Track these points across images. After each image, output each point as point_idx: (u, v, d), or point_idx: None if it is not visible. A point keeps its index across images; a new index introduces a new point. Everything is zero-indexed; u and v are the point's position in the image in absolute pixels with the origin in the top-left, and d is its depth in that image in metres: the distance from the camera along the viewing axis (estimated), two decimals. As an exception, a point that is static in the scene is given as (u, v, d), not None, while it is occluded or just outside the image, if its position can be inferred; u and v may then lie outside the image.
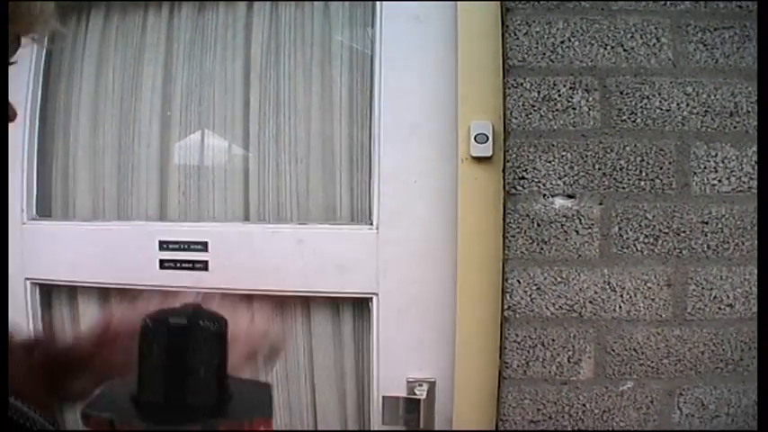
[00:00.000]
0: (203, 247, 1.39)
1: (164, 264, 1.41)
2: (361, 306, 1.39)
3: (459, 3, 1.27)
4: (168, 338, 0.46)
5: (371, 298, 1.33)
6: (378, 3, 1.35)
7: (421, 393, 1.29)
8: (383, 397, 1.32)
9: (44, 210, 1.56)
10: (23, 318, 1.52)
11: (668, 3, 1.11)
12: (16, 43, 0.66)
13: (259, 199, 1.44)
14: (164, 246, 1.41)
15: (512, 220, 1.12)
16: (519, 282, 1.14)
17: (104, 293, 1.51)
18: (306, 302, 1.42)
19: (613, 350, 1.15)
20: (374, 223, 1.33)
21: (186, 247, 1.40)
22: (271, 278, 1.36)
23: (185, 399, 0.45)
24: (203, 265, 1.39)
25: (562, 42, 1.15)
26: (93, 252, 1.47)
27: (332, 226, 1.37)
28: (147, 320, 0.47)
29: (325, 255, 1.34)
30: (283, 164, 1.43)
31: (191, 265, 1.40)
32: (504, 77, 1.19)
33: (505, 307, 1.15)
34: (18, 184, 1.49)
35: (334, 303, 1.41)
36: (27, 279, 1.48)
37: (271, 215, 1.43)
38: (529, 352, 1.16)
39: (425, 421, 1.29)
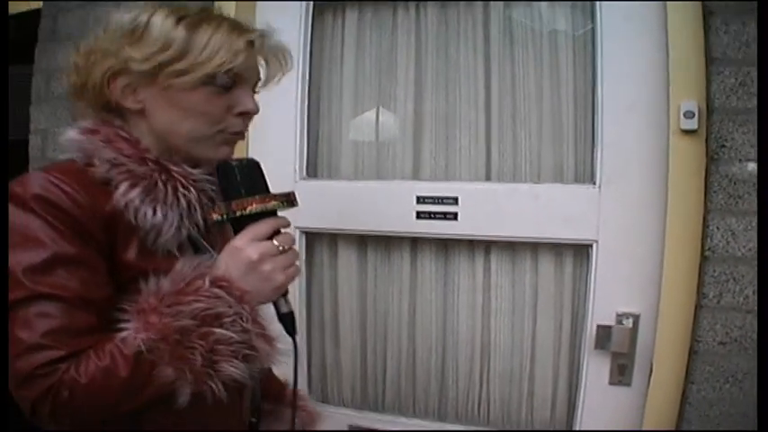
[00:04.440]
0: (454, 201, 2.00)
1: (420, 215, 2.04)
2: (580, 251, 1.95)
3: (667, 4, 1.85)
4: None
5: (592, 245, 1.88)
6: (597, 3, 1.89)
7: (627, 324, 1.84)
8: (597, 325, 1.87)
9: (312, 171, 2.20)
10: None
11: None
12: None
13: (499, 162, 2.04)
14: (420, 200, 2.03)
15: (714, 180, 1.64)
16: (717, 228, 1.65)
17: (360, 239, 2.18)
18: (534, 248, 2.03)
19: (791, 285, 1.61)
20: (596, 183, 1.87)
21: (440, 201, 2.01)
22: (508, 227, 1.96)
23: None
24: (453, 216, 2.01)
25: (754, 38, 1.61)
26: (356, 205, 2.07)
27: (562, 185, 1.94)
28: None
29: (555, 209, 1.90)
30: (519, 134, 2.02)
31: (443, 215, 2.01)
32: (707, 66, 1.77)
33: (706, 248, 1.66)
34: (291, 150, 2.15)
35: (558, 249, 1.99)
36: (296, 228, 2.05)
37: (508, 175, 2.02)
38: (722, 285, 1.65)
39: (629, 347, 1.86)
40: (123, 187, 1.05)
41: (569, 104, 2.00)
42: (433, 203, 2.05)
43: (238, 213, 1.07)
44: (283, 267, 1.08)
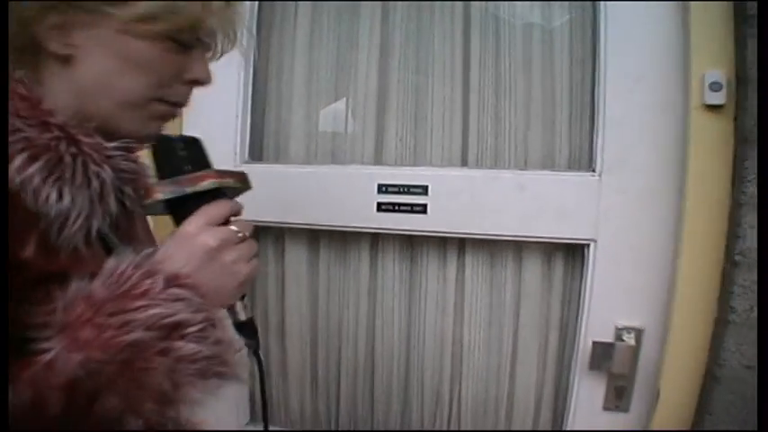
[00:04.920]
0: (423, 190, 1.69)
1: (381, 206, 1.73)
2: (574, 252, 1.68)
3: (687, -43, 1.52)
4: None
5: (589, 244, 1.59)
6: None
7: (629, 340, 1.56)
8: (593, 342, 1.63)
9: (257, 154, 1.89)
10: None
11: None
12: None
13: (478, 145, 1.73)
14: (383, 189, 1.72)
15: (747, 166, 1.34)
16: (751, 227, 1.34)
17: (312, 234, 1.88)
18: (518, 248, 1.73)
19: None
20: (596, 170, 1.58)
21: (406, 190, 1.70)
22: (488, 222, 1.66)
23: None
24: (422, 209, 1.70)
25: (802, -11, 1.33)
26: (307, 194, 1.78)
27: (554, 173, 1.64)
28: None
29: (546, 201, 1.61)
30: (503, 111, 1.72)
31: (409, 208, 1.70)
32: (738, 26, 1.45)
33: (736, 252, 1.37)
34: (232, 128, 1.82)
35: (547, 249, 1.70)
36: None
37: (488, 161, 1.72)
38: (755, 297, 1.34)
39: (630, 367, 1.58)
40: (19, 160, 0.81)
41: (564, 76, 1.70)
42: (398, 193, 1.74)
43: (189, 190, 0.87)
44: (248, 258, 0.89)
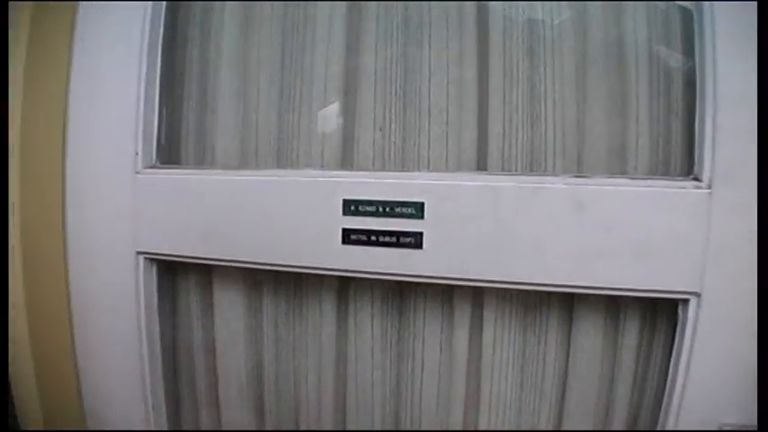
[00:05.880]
0: (417, 210, 1.13)
1: (349, 236, 1.17)
2: (656, 310, 1.13)
3: None
4: None
5: (688, 300, 1.03)
6: None
7: None
8: None
9: (170, 154, 1.38)
10: (133, 311, 1.34)
11: None
12: None
13: (504, 138, 1.19)
14: (351, 207, 1.16)
15: None
16: None
17: (251, 277, 1.36)
18: (568, 303, 1.19)
19: None
20: (704, 179, 1.02)
21: (389, 210, 1.15)
22: (524, 264, 1.09)
23: None
24: (415, 240, 1.13)
25: None
26: (241, 215, 1.25)
27: (631, 180, 1.06)
28: None
29: (617, 227, 1.05)
30: (541, 83, 1.17)
31: (394, 239, 1.14)
32: None
33: None
34: (131, 118, 1.31)
35: (614, 306, 1.16)
36: (140, 253, 1.31)
37: (521, 162, 1.18)
38: None
39: None
40: None
41: (638, 23, 1.12)
42: (377, 214, 1.15)
43: None
44: None
